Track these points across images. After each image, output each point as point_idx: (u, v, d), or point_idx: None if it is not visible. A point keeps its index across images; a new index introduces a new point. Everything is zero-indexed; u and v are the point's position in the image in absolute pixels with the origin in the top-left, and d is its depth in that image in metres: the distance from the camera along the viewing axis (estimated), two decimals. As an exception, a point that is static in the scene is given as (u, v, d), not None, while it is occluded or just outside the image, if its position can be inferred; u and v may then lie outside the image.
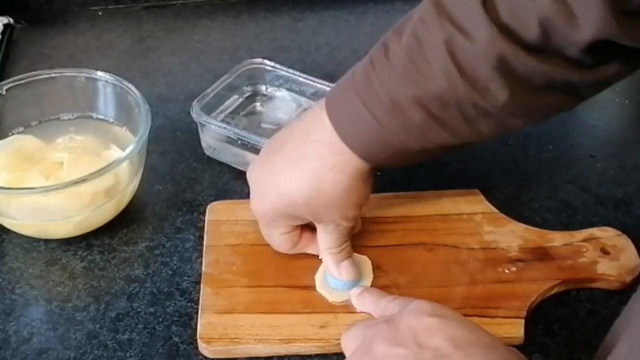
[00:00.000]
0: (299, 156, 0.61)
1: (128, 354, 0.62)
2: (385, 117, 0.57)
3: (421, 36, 0.55)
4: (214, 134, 0.78)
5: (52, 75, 0.77)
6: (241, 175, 0.78)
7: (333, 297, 0.64)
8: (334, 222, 0.63)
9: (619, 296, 0.66)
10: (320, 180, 0.60)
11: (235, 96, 0.84)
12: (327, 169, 0.60)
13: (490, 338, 0.52)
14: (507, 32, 0.52)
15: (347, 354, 0.57)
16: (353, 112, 0.58)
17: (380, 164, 0.61)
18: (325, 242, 0.64)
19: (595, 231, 0.69)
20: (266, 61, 0.84)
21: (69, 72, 0.77)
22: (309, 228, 0.66)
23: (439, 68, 0.55)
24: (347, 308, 0.63)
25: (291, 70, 0.83)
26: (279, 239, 0.66)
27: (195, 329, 0.62)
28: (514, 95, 0.54)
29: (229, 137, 0.76)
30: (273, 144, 0.65)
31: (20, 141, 0.76)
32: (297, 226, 0.66)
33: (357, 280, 0.65)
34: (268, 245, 0.68)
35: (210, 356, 0.61)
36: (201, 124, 0.77)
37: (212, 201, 0.74)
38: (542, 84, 0.55)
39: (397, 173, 0.70)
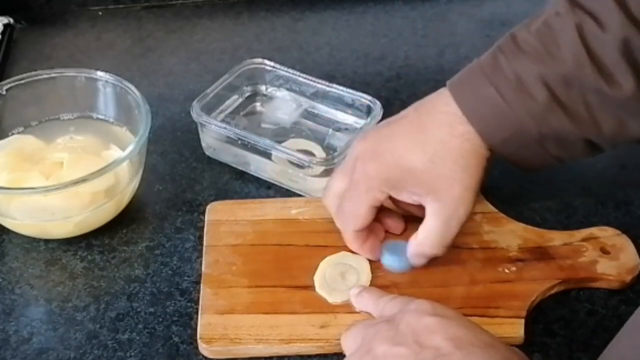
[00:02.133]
0: (423, 124, 0.61)
1: (128, 354, 0.62)
2: (508, 92, 0.58)
3: (552, 23, 0.58)
4: (214, 134, 0.78)
5: (52, 75, 0.77)
6: (241, 175, 0.78)
7: (333, 298, 0.64)
8: (452, 202, 0.60)
9: (618, 296, 0.66)
10: (446, 146, 0.59)
11: (235, 96, 0.84)
12: (455, 136, 0.59)
13: (490, 338, 0.53)
14: (634, 20, 0.54)
15: (347, 353, 0.57)
16: (477, 88, 0.59)
17: (497, 147, 0.60)
18: (429, 233, 0.62)
19: (594, 231, 0.69)
20: (266, 61, 0.84)
21: (69, 72, 0.77)
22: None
23: (568, 50, 0.56)
24: (347, 308, 0.63)
25: (291, 70, 0.83)
26: (363, 211, 0.63)
27: (195, 329, 0.62)
28: (639, 88, 0.55)
29: (229, 137, 0.76)
30: (389, 120, 0.65)
31: (20, 141, 0.76)
32: (379, 207, 0.64)
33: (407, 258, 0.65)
34: (268, 245, 0.68)
35: (210, 356, 0.61)
36: (201, 124, 0.77)
37: (212, 201, 0.74)
38: None
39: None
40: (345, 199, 0.64)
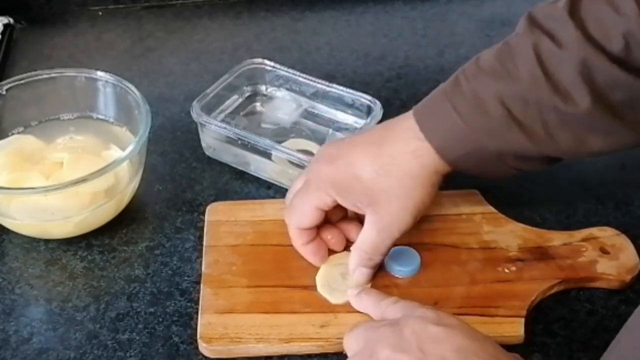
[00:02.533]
0: (382, 137, 0.63)
1: (128, 354, 0.62)
2: (466, 110, 0.59)
3: (511, 42, 0.59)
4: (214, 134, 0.78)
5: (52, 75, 0.77)
6: (241, 175, 0.78)
7: (334, 298, 0.64)
8: (387, 217, 0.61)
9: (618, 296, 0.66)
10: (394, 161, 0.61)
11: (235, 96, 0.84)
12: (405, 152, 0.61)
13: (494, 348, 0.53)
14: (591, 40, 0.55)
15: (349, 354, 0.57)
16: (436, 106, 0.61)
17: (454, 162, 0.61)
18: (364, 242, 0.63)
19: (594, 231, 0.69)
20: (266, 61, 0.84)
21: (69, 72, 0.77)
22: (333, 228, 0.68)
23: (525, 68, 0.58)
24: (347, 308, 0.63)
25: (291, 70, 0.83)
26: (307, 210, 0.64)
27: (195, 329, 0.62)
28: (595, 105, 0.56)
29: (229, 137, 0.76)
30: (356, 133, 0.68)
31: (20, 141, 0.76)
32: (325, 212, 0.65)
33: (412, 268, 0.66)
34: (268, 245, 0.68)
35: (211, 356, 0.61)
36: (201, 124, 0.77)
37: (212, 201, 0.74)
38: (624, 99, 0.56)
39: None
40: (296, 196, 0.65)
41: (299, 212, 0.65)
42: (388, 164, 0.61)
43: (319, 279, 0.65)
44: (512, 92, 0.58)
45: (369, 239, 0.63)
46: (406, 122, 0.62)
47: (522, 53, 0.58)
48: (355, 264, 0.64)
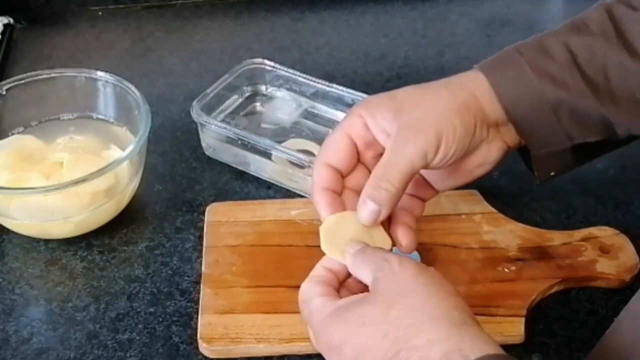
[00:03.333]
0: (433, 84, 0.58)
1: (128, 354, 0.62)
2: (528, 52, 0.57)
3: (582, 13, 0.59)
4: (214, 134, 0.78)
5: (52, 75, 0.77)
6: (241, 175, 0.78)
7: (331, 251, 0.56)
8: (408, 132, 0.54)
9: (618, 296, 0.66)
10: (438, 91, 0.56)
11: (235, 96, 0.84)
12: (456, 85, 0.57)
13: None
14: None
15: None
16: (500, 54, 0.59)
17: (509, 105, 0.57)
18: (378, 165, 0.55)
19: (594, 230, 0.69)
20: (266, 61, 0.84)
21: (69, 72, 0.77)
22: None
23: (596, 24, 0.58)
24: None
25: (291, 70, 0.83)
26: (336, 137, 0.57)
27: (195, 329, 0.62)
28: None
29: (229, 137, 0.76)
30: None
31: (20, 141, 0.76)
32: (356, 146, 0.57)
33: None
34: (268, 246, 0.68)
35: (211, 356, 0.61)
36: (201, 124, 0.77)
37: (212, 201, 0.74)
38: None
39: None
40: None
41: (327, 142, 0.57)
42: (431, 91, 0.57)
43: (324, 226, 0.58)
44: (580, 41, 0.57)
45: (382, 160, 0.55)
46: (472, 74, 0.58)
47: (594, 14, 0.58)
48: (364, 194, 0.54)
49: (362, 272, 0.51)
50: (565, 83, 0.56)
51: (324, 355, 0.50)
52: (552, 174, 0.61)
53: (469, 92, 0.56)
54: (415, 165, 0.54)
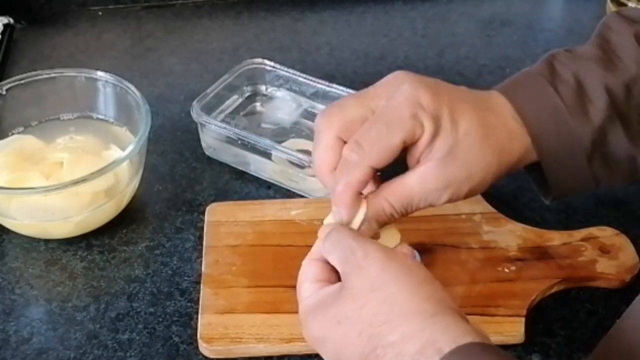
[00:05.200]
0: (479, 99, 0.55)
1: (128, 354, 0.62)
2: (568, 96, 0.55)
3: (607, 34, 0.57)
4: (214, 134, 0.78)
5: (52, 75, 0.77)
6: (241, 175, 0.78)
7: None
8: (450, 169, 0.52)
9: (618, 296, 0.66)
10: (495, 125, 0.53)
11: (235, 96, 0.84)
12: (502, 125, 0.54)
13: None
14: None
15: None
16: (534, 88, 0.55)
17: (542, 151, 0.55)
18: (402, 188, 0.52)
19: (594, 230, 0.69)
20: (266, 61, 0.84)
21: (69, 72, 0.77)
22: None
23: (629, 56, 0.55)
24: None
25: (291, 70, 0.83)
26: (394, 139, 0.51)
27: (195, 329, 0.62)
28: None
29: (229, 137, 0.76)
30: None
31: (20, 141, 0.76)
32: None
33: None
34: (268, 246, 0.68)
35: (211, 356, 0.61)
36: (201, 124, 0.77)
37: (212, 201, 0.74)
38: None
39: (396, 173, 0.70)
40: (375, 122, 0.52)
41: (380, 145, 0.51)
42: (488, 130, 0.53)
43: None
44: (617, 80, 0.55)
45: (407, 189, 0.52)
46: (498, 98, 0.55)
47: (623, 42, 0.56)
48: (372, 214, 0.52)
49: (332, 258, 0.50)
50: (604, 131, 0.55)
51: (310, 344, 0.50)
52: (565, 196, 0.61)
53: (515, 162, 0.55)
54: (429, 208, 0.54)
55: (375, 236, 0.55)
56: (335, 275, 0.50)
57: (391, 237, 0.56)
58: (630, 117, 0.56)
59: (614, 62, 0.56)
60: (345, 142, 0.52)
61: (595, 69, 0.55)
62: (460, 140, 0.52)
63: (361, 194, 0.53)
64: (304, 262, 0.52)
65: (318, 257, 0.52)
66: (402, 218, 0.54)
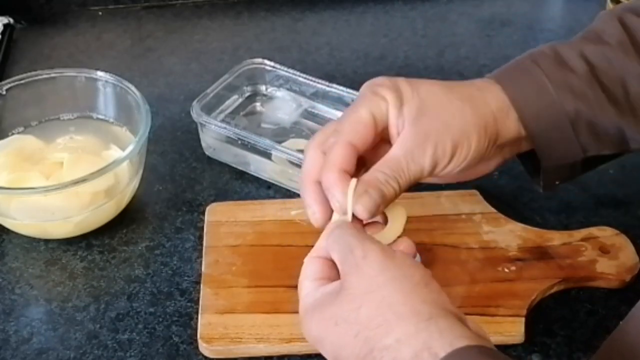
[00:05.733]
0: (454, 83, 0.58)
1: (128, 354, 0.62)
2: (547, 65, 0.56)
3: (593, 24, 0.59)
4: (214, 134, 0.78)
5: (52, 75, 0.77)
6: (241, 175, 0.78)
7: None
8: (426, 130, 0.53)
9: (618, 296, 0.66)
10: (463, 89, 0.56)
11: (235, 96, 0.84)
12: (477, 90, 0.56)
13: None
14: None
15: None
16: (516, 65, 0.58)
17: (528, 121, 0.56)
18: (386, 159, 0.53)
19: (594, 230, 0.69)
20: (266, 61, 0.84)
21: (69, 72, 0.77)
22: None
23: (612, 36, 0.57)
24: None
25: (291, 70, 0.83)
26: (360, 112, 0.54)
27: (195, 329, 0.62)
28: None
29: (229, 137, 0.76)
30: None
31: (20, 141, 0.76)
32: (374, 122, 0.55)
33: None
34: (268, 245, 0.68)
35: (211, 356, 0.61)
36: (201, 124, 0.77)
37: (212, 201, 0.74)
38: None
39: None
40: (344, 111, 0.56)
41: (351, 120, 0.54)
42: (452, 86, 0.56)
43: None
44: (598, 52, 0.56)
45: (394, 157, 0.53)
46: (483, 79, 0.58)
47: (607, 25, 0.58)
48: (363, 187, 0.52)
49: (334, 255, 0.50)
50: (585, 95, 0.56)
51: (310, 342, 0.50)
52: (557, 182, 0.61)
53: (491, 112, 0.56)
54: (424, 174, 0.54)
55: (383, 217, 0.55)
56: (336, 272, 0.50)
57: (399, 219, 0.55)
58: (615, 89, 0.56)
59: (594, 38, 0.58)
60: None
61: (573, 42, 0.58)
62: (425, 98, 0.55)
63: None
64: (305, 260, 0.52)
65: (319, 255, 0.52)
66: (404, 189, 0.54)
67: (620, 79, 0.56)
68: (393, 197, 0.53)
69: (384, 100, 0.55)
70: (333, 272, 0.51)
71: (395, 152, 0.54)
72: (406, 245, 0.53)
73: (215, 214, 0.72)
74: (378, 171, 0.53)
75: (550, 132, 0.57)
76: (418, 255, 0.66)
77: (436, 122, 0.54)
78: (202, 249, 0.69)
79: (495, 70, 0.59)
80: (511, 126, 0.56)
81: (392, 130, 0.55)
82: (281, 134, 0.80)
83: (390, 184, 0.53)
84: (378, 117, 0.54)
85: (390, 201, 0.54)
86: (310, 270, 0.51)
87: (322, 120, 0.82)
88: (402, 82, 0.56)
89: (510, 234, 0.69)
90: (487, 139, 0.55)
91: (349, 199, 0.52)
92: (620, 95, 0.56)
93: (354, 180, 0.52)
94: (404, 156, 0.53)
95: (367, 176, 0.53)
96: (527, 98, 0.56)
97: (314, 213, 0.54)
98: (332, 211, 0.53)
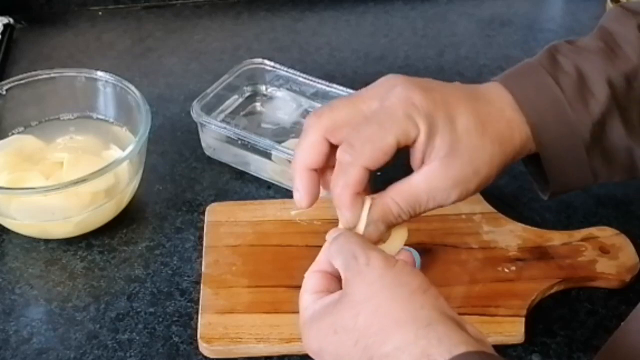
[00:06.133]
0: (474, 92, 0.55)
1: (128, 354, 0.62)
2: (569, 88, 0.54)
3: (610, 26, 0.57)
4: (214, 134, 0.78)
5: (52, 75, 0.77)
6: (241, 175, 0.78)
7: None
8: (454, 170, 0.51)
9: (618, 296, 0.66)
10: (491, 120, 0.53)
11: (235, 96, 0.84)
12: (501, 118, 0.53)
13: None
14: None
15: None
16: (534, 80, 0.55)
17: (541, 144, 0.54)
18: (408, 189, 0.52)
19: (593, 230, 0.69)
20: (266, 61, 0.84)
21: (69, 72, 0.77)
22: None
23: (631, 47, 0.55)
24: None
25: (291, 70, 0.83)
26: (388, 139, 0.50)
27: (195, 329, 0.62)
28: None
29: (229, 137, 0.76)
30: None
31: (20, 141, 0.76)
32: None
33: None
34: (268, 246, 0.68)
35: (211, 356, 0.61)
36: (201, 124, 0.77)
37: (212, 201, 0.74)
38: None
39: (396, 173, 0.70)
40: (368, 123, 0.51)
41: (372, 144, 0.50)
42: (486, 122, 0.53)
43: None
44: (619, 72, 0.55)
45: (414, 189, 0.52)
46: (496, 89, 0.55)
47: (626, 34, 0.56)
48: (374, 216, 0.51)
49: (337, 263, 0.50)
50: (604, 121, 0.55)
51: (311, 355, 0.50)
52: (561, 194, 0.60)
53: (515, 150, 0.54)
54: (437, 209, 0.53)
55: (385, 237, 0.54)
56: (336, 285, 0.50)
57: (400, 237, 0.55)
58: (630, 110, 0.55)
59: (616, 53, 0.55)
60: (330, 144, 0.52)
61: (596, 60, 0.55)
62: (460, 137, 0.52)
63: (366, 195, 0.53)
64: (306, 275, 0.52)
65: (320, 268, 0.51)
66: (410, 219, 0.53)
67: (637, 98, 0.55)
68: (397, 222, 0.53)
69: (415, 128, 0.51)
70: (333, 284, 0.50)
71: (418, 185, 0.52)
72: (406, 256, 0.52)
73: (215, 214, 0.72)
74: (394, 202, 0.52)
75: (565, 160, 0.55)
76: (418, 256, 0.66)
77: (468, 168, 0.52)
78: (202, 249, 0.69)
79: (512, 76, 0.56)
80: (527, 146, 0.55)
81: (417, 155, 0.52)
82: (281, 134, 0.80)
83: (402, 217, 0.52)
84: (402, 142, 0.51)
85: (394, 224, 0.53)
86: (310, 283, 0.51)
87: (322, 120, 0.82)
88: (440, 108, 0.52)
89: (510, 234, 0.69)
90: (504, 164, 0.54)
91: (362, 221, 0.52)
92: (635, 114, 0.55)
93: (368, 202, 0.52)
94: (426, 193, 0.52)
95: (382, 203, 0.52)
96: (548, 127, 0.54)
97: (300, 199, 0.54)
98: (317, 197, 0.53)
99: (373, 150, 0.50)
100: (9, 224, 0.71)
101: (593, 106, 0.54)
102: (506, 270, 0.66)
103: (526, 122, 0.54)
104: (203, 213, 0.72)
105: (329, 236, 0.52)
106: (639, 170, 0.57)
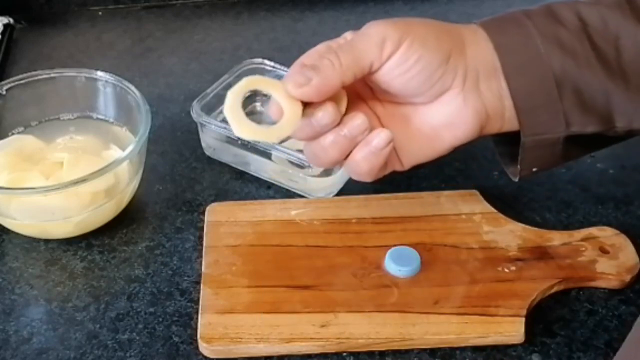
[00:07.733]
0: (445, 24, 0.56)
1: (128, 354, 0.62)
2: (538, 17, 0.54)
3: None
4: (214, 134, 0.78)
5: (52, 75, 0.77)
6: (241, 175, 0.78)
7: (240, 130, 0.52)
8: (382, 29, 0.52)
9: (618, 296, 0.66)
10: (455, 31, 0.54)
11: (235, 96, 0.84)
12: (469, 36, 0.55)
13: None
14: None
15: None
16: (506, 16, 0.56)
17: (509, 72, 0.54)
18: (338, 44, 0.53)
19: (593, 230, 0.69)
20: (266, 61, 0.84)
21: (69, 72, 0.77)
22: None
23: (612, 1, 0.55)
24: (347, 307, 0.63)
25: (291, 70, 0.83)
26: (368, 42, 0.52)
27: (195, 329, 0.62)
28: None
29: (229, 137, 0.76)
30: None
31: (20, 141, 0.76)
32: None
33: (412, 268, 0.64)
34: (268, 246, 0.68)
35: (211, 356, 0.61)
36: (201, 124, 0.77)
37: (212, 201, 0.74)
38: None
39: (397, 173, 0.70)
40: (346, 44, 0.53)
41: (359, 48, 0.52)
42: (447, 29, 0.55)
43: (234, 91, 0.54)
44: (592, 11, 0.54)
45: (352, 48, 0.53)
46: (470, 26, 0.56)
47: None
48: (305, 59, 0.54)
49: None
50: (574, 51, 0.54)
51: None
52: (535, 169, 0.59)
53: (461, 38, 0.55)
54: (369, 53, 0.52)
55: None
56: None
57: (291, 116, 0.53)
58: (607, 48, 0.54)
59: (593, 3, 0.55)
60: None
61: (570, 2, 0.55)
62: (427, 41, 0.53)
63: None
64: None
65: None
66: (349, 70, 0.52)
67: (614, 39, 0.54)
68: (333, 74, 0.52)
69: (390, 44, 0.52)
70: None
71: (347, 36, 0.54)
72: (361, 120, 0.52)
73: (215, 214, 0.72)
74: (320, 48, 0.53)
75: (534, 91, 0.54)
76: (418, 254, 0.66)
77: (419, 26, 0.54)
78: (202, 249, 0.69)
79: (490, 19, 0.57)
80: (484, 58, 0.54)
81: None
82: (281, 134, 0.80)
83: (330, 57, 0.52)
84: (376, 64, 0.53)
85: (329, 80, 0.52)
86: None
87: (322, 120, 0.82)
88: (406, 38, 0.52)
89: (510, 234, 0.69)
90: (450, 41, 0.54)
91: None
92: (612, 56, 0.54)
93: None
94: (354, 34, 0.53)
95: (308, 53, 0.54)
96: (511, 46, 0.54)
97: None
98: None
99: (353, 59, 0.52)
100: (9, 224, 0.71)
101: (562, 35, 0.54)
102: (506, 270, 0.66)
103: (493, 49, 0.54)
104: (203, 213, 0.72)
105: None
106: (615, 120, 0.55)
